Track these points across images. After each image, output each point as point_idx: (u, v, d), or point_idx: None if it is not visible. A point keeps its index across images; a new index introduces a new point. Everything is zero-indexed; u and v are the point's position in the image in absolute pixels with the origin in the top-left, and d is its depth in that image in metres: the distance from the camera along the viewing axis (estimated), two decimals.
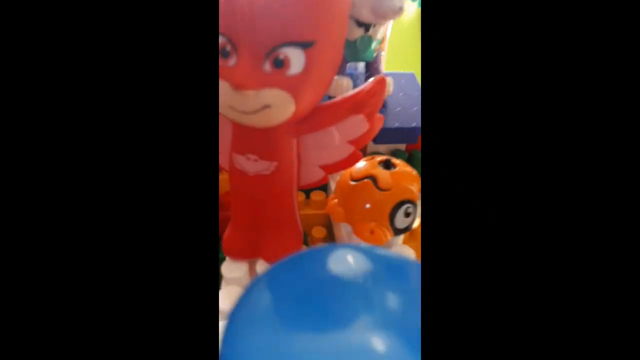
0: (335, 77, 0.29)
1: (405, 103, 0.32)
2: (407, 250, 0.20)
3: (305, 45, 0.13)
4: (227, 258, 0.19)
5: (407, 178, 0.21)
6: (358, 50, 0.29)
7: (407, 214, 0.20)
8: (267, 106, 0.13)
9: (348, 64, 0.31)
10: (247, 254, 0.19)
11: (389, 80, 0.30)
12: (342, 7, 0.14)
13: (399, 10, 0.24)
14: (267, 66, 0.13)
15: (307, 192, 0.29)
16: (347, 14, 0.15)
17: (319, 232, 0.28)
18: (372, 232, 0.20)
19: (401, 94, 0.33)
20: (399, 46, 0.48)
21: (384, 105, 0.31)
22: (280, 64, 0.13)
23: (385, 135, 0.29)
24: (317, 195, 0.29)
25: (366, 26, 0.27)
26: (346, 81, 0.29)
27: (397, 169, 0.21)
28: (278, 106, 0.14)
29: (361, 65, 0.33)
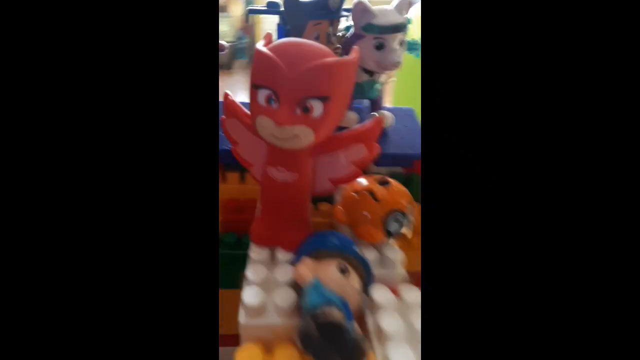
0: (346, 112, 0.36)
1: (403, 134, 0.38)
2: (397, 252, 0.26)
3: (323, 99, 0.20)
4: (254, 244, 0.26)
5: (398, 193, 0.27)
6: (364, 91, 0.36)
7: (396, 221, 0.26)
8: (296, 136, 0.20)
9: (355, 100, 0.37)
10: (269, 242, 0.25)
11: (391, 115, 0.37)
12: (350, 72, 0.21)
13: (397, 64, 0.31)
14: (298, 111, 0.20)
15: (315, 203, 0.35)
16: (354, 75, 0.22)
17: None
18: (369, 232, 0.26)
19: (400, 126, 0.39)
20: (404, 84, 0.54)
21: (385, 135, 0.37)
22: (307, 110, 0.20)
23: (385, 160, 0.35)
24: (323, 206, 0.35)
25: (371, 73, 0.34)
26: (354, 115, 0.36)
27: (390, 185, 0.27)
28: (304, 137, 0.20)
29: (366, 101, 0.40)
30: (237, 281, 0.24)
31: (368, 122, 0.24)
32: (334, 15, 0.36)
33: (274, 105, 0.20)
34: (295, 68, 0.19)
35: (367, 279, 0.22)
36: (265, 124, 0.20)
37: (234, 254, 0.29)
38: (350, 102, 0.37)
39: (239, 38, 1.90)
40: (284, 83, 0.19)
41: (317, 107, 0.20)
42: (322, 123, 0.20)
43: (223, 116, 0.25)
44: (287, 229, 0.25)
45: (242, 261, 0.24)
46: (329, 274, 0.20)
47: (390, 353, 0.19)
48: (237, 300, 0.21)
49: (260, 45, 0.20)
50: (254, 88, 0.20)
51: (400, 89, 0.52)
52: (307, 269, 0.20)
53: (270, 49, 0.20)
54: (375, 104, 0.38)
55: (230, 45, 1.81)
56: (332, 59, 0.20)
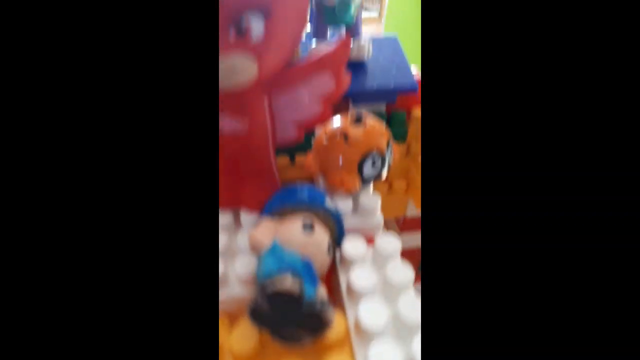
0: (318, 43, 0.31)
1: (384, 65, 0.33)
2: (374, 198, 0.23)
3: (262, 11, 0.15)
4: None
5: (375, 132, 0.23)
6: (337, 15, 0.30)
7: (374, 164, 0.22)
8: (233, 68, 0.15)
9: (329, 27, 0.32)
10: (231, 203, 0.22)
11: (367, 44, 0.32)
12: None
13: None
14: (232, 34, 0.15)
15: (292, 156, 0.31)
16: None
17: None
18: (342, 181, 0.22)
19: (382, 57, 0.34)
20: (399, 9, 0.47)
21: (363, 68, 0.32)
22: (242, 32, 0.15)
23: (364, 97, 0.31)
24: (301, 158, 0.31)
25: None
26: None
27: (367, 123, 0.23)
28: (243, 68, 0.16)
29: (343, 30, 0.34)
30: None
31: (332, 44, 0.19)
32: None
33: None
34: None
35: (338, 232, 0.19)
36: None
37: None
38: (324, 31, 0.31)
39: None
40: None
41: (256, 26, 0.15)
42: (265, 47, 0.16)
43: None
44: (250, 187, 0.21)
45: None
46: (290, 233, 0.17)
47: (361, 312, 0.16)
48: None
49: None
50: None
51: (391, 14, 0.46)
52: (264, 232, 0.16)
53: None
54: (352, 31, 0.32)
55: None
56: None
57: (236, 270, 0.18)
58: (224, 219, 0.21)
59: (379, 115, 0.33)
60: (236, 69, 0.16)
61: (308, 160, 0.24)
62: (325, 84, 0.20)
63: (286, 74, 0.19)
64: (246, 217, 0.21)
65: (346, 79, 0.20)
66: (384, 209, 0.24)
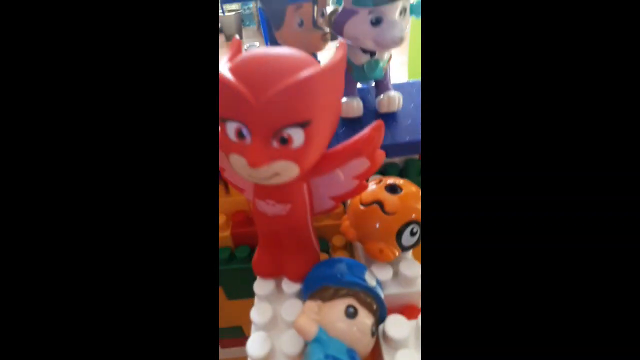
0: (347, 100, 0.32)
1: (415, 114, 0.34)
2: (415, 265, 0.23)
3: (303, 125, 0.16)
4: (258, 277, 0.24)
5: (412, 199, 0.23)
6: (367, 73, 0.31)
7: (412, 233, 0.23)
8: (277, 174, 0.17)
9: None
10: (273, 273, 0.23)
11: (398, 96, 0.32)
12: (335, 80, 0.17)
13: (399, 41, 0.26)
14: (275, 144, 0.16)
15: None
16: (341, 80, 0.18)
17: (338, 240, 0.32)
18: (381, 251, 0.23)
19: (412, 104, 0.35)
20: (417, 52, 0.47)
21: (395, 119, 0.33)
22: (285, 141, 0.16)
23: (398, 150, 0.32)
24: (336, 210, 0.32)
25: (371, 52, 0.29)
26: (356, 102, 0.32)
27: (402, 191, 0.24)
28: (286, 173, 0.17)
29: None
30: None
31: (366, 131, 0.20)
32: None
33: (247, 140, 0.16)
34: (262, 93, 0.15)
35: (380, 311, 0.20)
36: (239, 164, 0.17)
37: (249, 268, 0.28)
38: (352, 86, 0.32)
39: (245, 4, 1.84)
40: (252, 113, 0.16)
41: (297, 136, 0.16)
42: (305, 152, 0.17)
43: None
44: (290, 258, 0.23)
45: None
46: (335, 320, 0.18)
47: None
48: None
49: (223, 64, 0.17)
50: (221, 120, 0.17)
51: (414, 57, 0.46)
52: (309, 320, 0.18)
53: (233, 70, 0.16)
54: (381, 85, 0.33)
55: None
56: (307, 72, 0.16)
57: (282, 347, 0.19)
58: (267, 287, 0.23)
59: (411, 162, 0.33)
60: (280, 173, 0.17)
61: (345, 226, 0.25)
62: (360, 165, 0.21)
63: (324, 161, 0.20)
64: (288, 286, 0.23)
65: (380, 157, 0.21)
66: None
